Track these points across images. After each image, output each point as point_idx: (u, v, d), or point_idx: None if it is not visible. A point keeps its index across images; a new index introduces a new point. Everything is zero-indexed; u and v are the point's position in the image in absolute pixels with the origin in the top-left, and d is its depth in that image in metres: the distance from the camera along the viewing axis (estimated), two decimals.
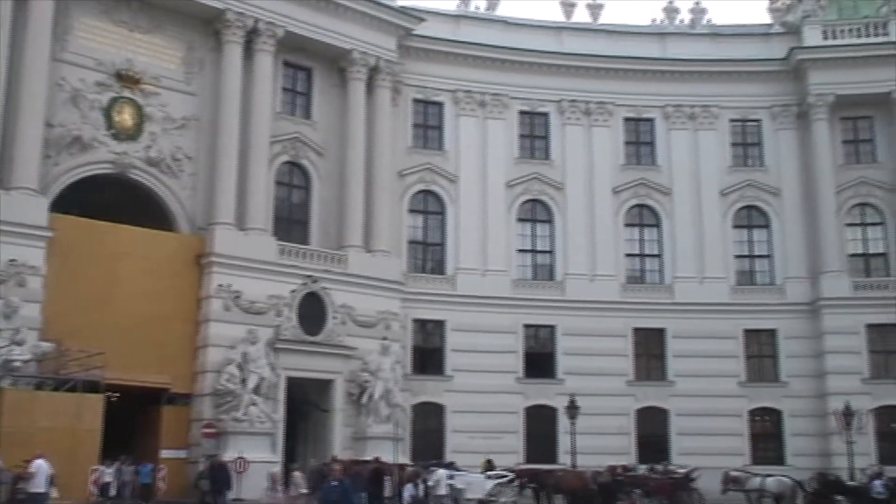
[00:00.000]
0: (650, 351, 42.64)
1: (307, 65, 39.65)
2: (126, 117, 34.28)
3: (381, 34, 40.30)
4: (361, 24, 39.66)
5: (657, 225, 44.28)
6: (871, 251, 43.83)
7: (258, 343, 33.70)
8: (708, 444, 39.62)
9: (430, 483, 27.89)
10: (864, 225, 44.12)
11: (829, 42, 44.61)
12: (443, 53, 43.16)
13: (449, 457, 37.48)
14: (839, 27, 45.21)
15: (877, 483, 32.69)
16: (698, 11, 47.41)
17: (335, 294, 36.64)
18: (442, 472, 28.49)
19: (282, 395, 34.68)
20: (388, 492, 29.68)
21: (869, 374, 41.17)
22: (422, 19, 41.65)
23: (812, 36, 44.71)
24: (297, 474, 29.43)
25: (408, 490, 27.49)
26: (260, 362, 33.46)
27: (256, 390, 33.14)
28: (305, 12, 38.22)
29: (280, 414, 34.38)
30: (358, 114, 39.39)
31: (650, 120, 45.10)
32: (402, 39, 41.30)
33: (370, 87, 40.06)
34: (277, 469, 32.09)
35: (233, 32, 36.16)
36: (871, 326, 41.55)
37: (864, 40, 44.44)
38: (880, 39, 44.14)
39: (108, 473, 29.05)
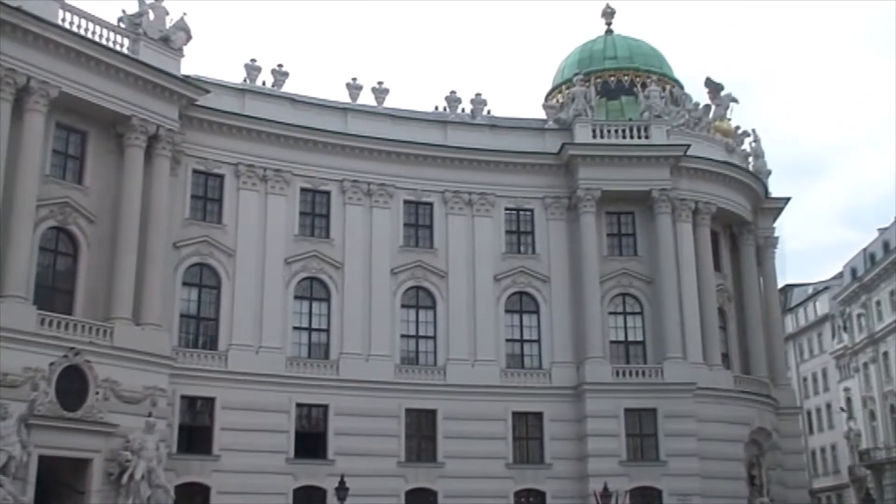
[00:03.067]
0: (422, 432, 42.87)
1: (82, 128, 38.10)
2: None
3: (163, 102, 39.38)
4: (143, 91, 38.63)
5: (433, 307, 45.01)
6: (630, 339, 46.26)
7: (9, 419, 31.33)
8: None
9: None
10: (625, 314, 46.56)
11: (598, 140, 47.48)
12: (226, 126, 42.70)
13: None
14: (607, 127, 48.31)
15: None
16: (479, 103, 49.34)
17: (99, 368, 34.74)
18: None
19: (32, 475, 32.28)
20: None
21: (626, 456, 43.02)
22: (206, 90, 41.10)
23: (582, 133, 47.45)
24: None
25: None
26: (10, 439, 31.10)
27: (4, 470, 30.75)
28: (83, 74, 36.82)
29: (29, 496, 31.92)
30: (134, 182, 38.13)
31: (429, 204, 46.16)
32: (184, 109, 40.54)
33: (149, 155, 38.93)
34: None
35: (1, 89, 34.37)
36: (628, 410, 43.56)
37: (628, 141, 47.67)
38: (643, 142, 47.57)
39: None
